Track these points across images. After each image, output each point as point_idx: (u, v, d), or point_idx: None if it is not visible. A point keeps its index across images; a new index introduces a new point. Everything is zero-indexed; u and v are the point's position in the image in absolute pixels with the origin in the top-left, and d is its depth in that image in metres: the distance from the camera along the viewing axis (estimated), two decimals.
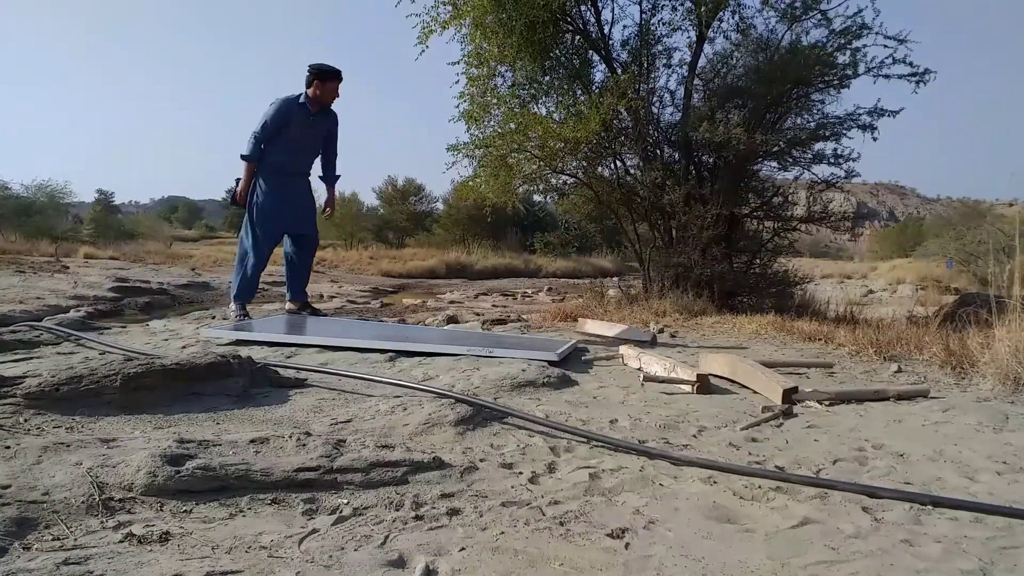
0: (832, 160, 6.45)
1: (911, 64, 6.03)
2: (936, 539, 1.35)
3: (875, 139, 6.36)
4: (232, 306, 4.55)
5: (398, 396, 2.40)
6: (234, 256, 4.71)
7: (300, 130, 4.45)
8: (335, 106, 4.65)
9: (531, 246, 26.44)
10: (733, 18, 6.63)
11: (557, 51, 6.49)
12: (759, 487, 1.63)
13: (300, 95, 4.43)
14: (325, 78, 4.40)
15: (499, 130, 6.46)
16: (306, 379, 2.68)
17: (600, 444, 1.95)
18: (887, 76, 6.10)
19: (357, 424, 2.10)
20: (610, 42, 6.69)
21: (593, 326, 4.53)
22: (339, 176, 4.92)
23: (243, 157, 4.39)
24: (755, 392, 2.74)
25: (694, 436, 2.11)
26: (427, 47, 6.19)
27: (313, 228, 4.77)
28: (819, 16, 6.27)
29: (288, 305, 4.78)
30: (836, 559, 1.26)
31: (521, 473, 1.72)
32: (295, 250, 4.71)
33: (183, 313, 6.13)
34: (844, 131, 6.37)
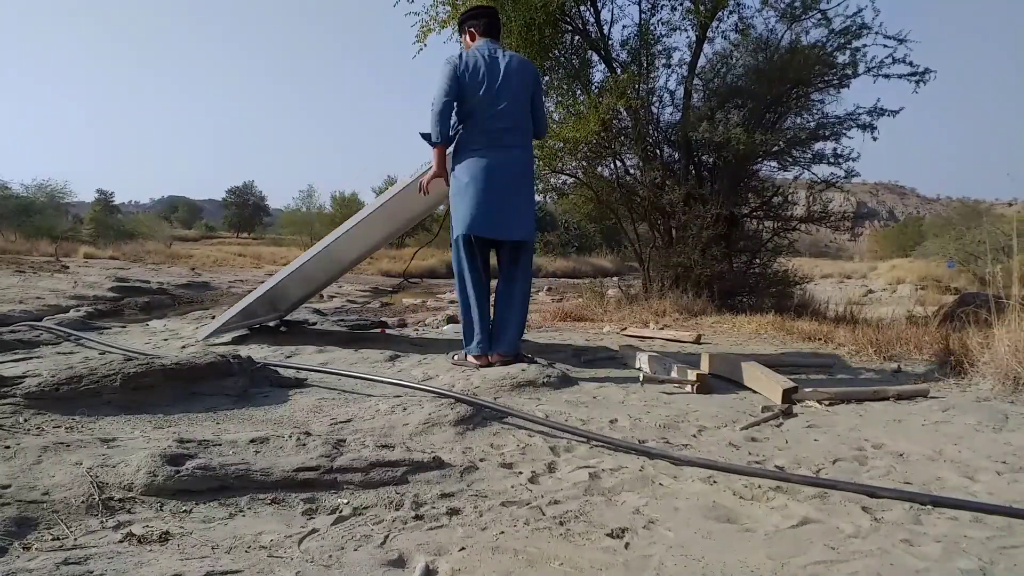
0: (832, 160, 6.46)
1: (911, 64, 6.05)
2: (936, 539, 1.35)
3: (875, 139, 6.38)
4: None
5: (398, 396, 2.40)
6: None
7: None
8: None
9: None
10: (732, 18, 6.64)
11: (557, 51, 6.49)
12: (759, 487, 1.63)
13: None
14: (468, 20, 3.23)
15: None
16: (306, 379, 2.68)
17: (600, 444, 1.95)
18: (887, 76, 6.11)
19: (357, 424, 2.10)
20: (609, 42, 6.69)
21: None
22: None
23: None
24: (755, 392, 2.74)
25: (694, 436, 2.11)
26: (425, 45, 6.19)
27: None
28: (819, 16, 6.28)
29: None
30: (836, 559, 1.26)
31: (521, 473, 1.72)
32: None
33: (183, 313, 6.13)
34: (844, 131, 6.39)
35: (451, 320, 5.44)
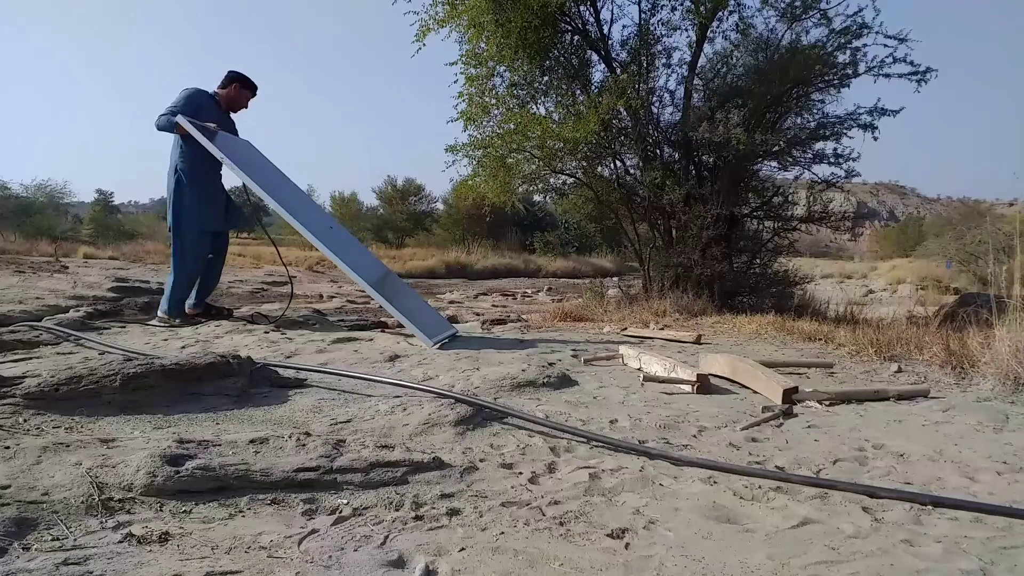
0: (832, 160, 6.46)
1: (912, 63, 6.04)
2: (936, 539, 1.35)
3: (876, 139, 6.37)
4: (161, 318, 4.24)
5: (398, 396, 2.40)
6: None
7: (213, 121, 4.22)
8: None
9: (531, 246, 26.44)
10: (732, 18, 6.64)
11: (556, 51, 6.49)
12: (759, 487, 1.63)
13: (211, 90, 4.41)
14: (245, 85, 4.47)
15: (498, 131, 6.47)
16: (305, 379, 2.68)
17: (600, 444, 1.95)
18: (888, 75, 6.10)
19: (357, 424, 2.10)
20: (609, 42, 6.69)
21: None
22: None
23: (160, 128, 4.12)
24: (755, 392, 2.74)
25: (694, 436, 2.11)
26: (424, 45, 6.20)
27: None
28: (819, 15, 6.28)
29: (189, 311, 4.38)
30: (836, 559, 1.26)
31: (521, 473, 1.72)
32: (215, 251, 4.52)
33: None
34: (844, 131, 6.38)
35: (451, 320, 5.43)
